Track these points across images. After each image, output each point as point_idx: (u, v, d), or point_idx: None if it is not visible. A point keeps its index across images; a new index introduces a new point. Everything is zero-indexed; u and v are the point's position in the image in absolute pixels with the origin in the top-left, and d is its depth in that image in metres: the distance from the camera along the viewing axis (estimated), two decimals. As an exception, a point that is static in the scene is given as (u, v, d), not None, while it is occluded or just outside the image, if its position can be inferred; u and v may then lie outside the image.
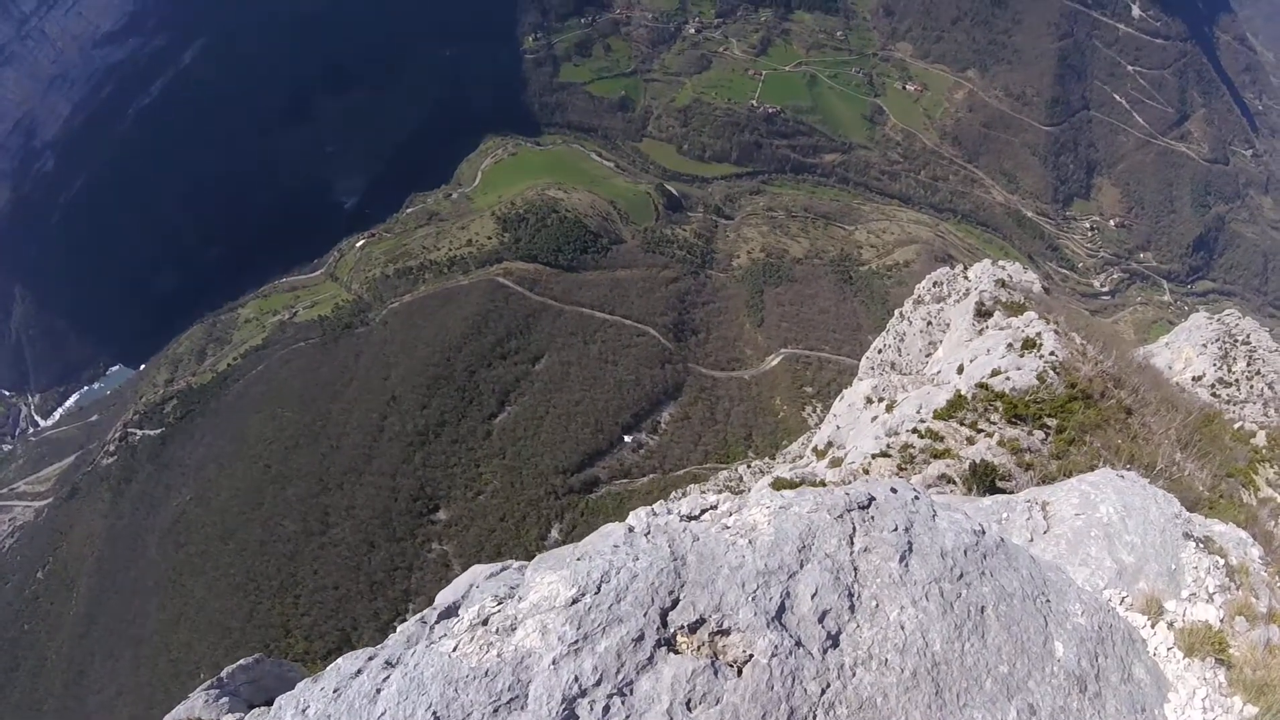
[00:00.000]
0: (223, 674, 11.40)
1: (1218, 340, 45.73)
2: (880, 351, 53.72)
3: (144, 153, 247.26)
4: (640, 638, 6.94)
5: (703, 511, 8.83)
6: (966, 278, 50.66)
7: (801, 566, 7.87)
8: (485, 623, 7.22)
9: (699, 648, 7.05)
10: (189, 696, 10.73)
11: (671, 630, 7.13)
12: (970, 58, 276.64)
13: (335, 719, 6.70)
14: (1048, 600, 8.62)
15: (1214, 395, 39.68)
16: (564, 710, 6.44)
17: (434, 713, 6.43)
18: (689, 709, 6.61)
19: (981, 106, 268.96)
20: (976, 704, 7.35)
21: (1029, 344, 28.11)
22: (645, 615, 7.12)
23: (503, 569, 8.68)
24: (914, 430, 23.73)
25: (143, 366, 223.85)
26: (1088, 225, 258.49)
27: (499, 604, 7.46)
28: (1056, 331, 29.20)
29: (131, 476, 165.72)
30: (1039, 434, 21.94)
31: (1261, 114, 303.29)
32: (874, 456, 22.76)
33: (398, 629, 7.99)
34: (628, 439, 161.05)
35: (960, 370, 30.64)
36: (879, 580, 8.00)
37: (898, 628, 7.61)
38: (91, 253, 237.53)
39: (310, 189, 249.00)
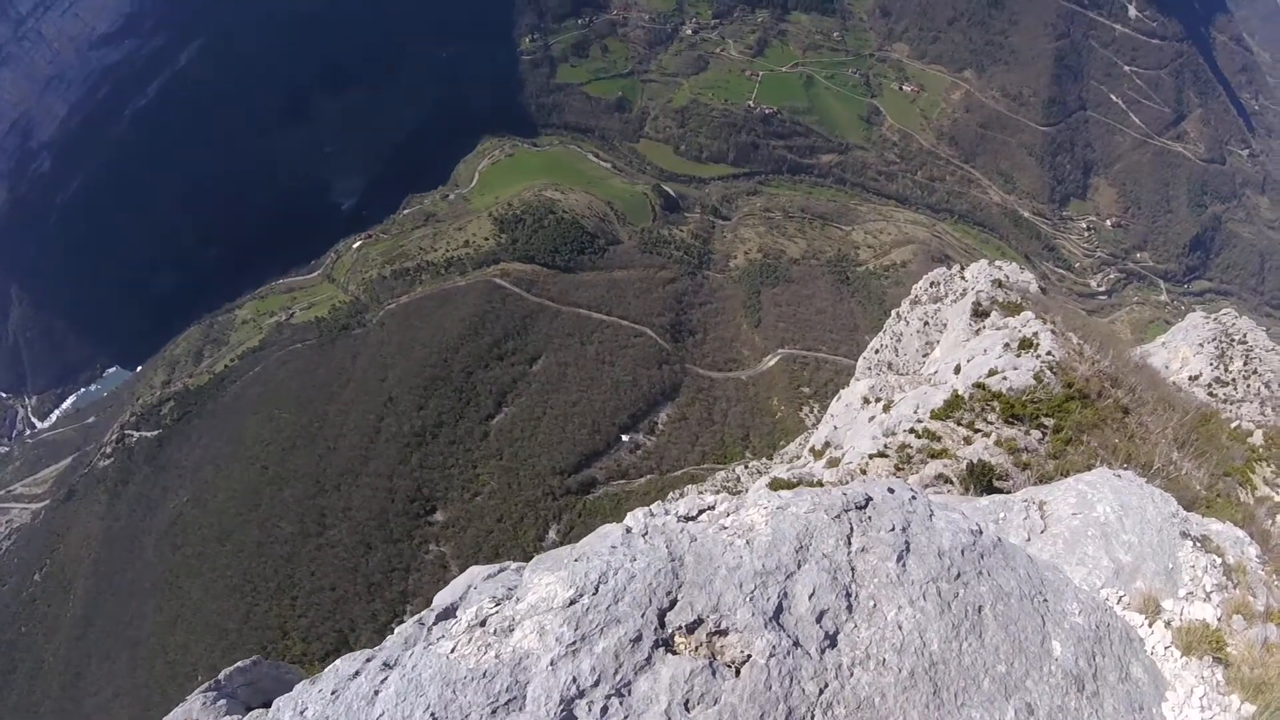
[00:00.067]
0: (220, 676, 11.39)
1: (1214, 340, 45.82)
2: (877, 352, 53.72)
3: (141, 154, 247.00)
4: (638, 638, 6.94)
5: (700, 512, 8.83)
6: (963, 278, 50.71)
7: (799, 567, 7.87)
8: (483, 624, 7.22)
9: (697, 648, 7.05)
10: (186, 699, 10.71)
11: (669, 631, 7.13)
12: (967, 58, 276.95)
13: (333, 720, 6.71)
14: (1045, 599, 8.62)
15: (1211, 394, 39.73)
16: (562, 711, 6.44)
17: (432, 714, 6.43)
18: (687, 709, 6.61)
19: (978, 107, 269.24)
20: (974, 703, 7.35)
21: (1026, 344, 28.13)
22: (643, 616, 7.11)
23: (500, 570, 8.67)
24: (911, 430, 23.73)
25: (139, 368, 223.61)
26: (1084, 225, 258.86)
27: (497, 605, 7.46)
28: (1053, 331, 29.22)
29: (128, 478, 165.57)
30: (1036, 434, 21.94)
31: (1258, 114, 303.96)
32: (871, 456, 22.76)
33: (395, 630, 7.99)
34: (625, 439, 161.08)
35: (957, 370, 30.65)
36: (876, 580, 8.00)
37: (895, 627, 7.61)
38: (88, 254, 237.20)
39: (308, 190, 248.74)
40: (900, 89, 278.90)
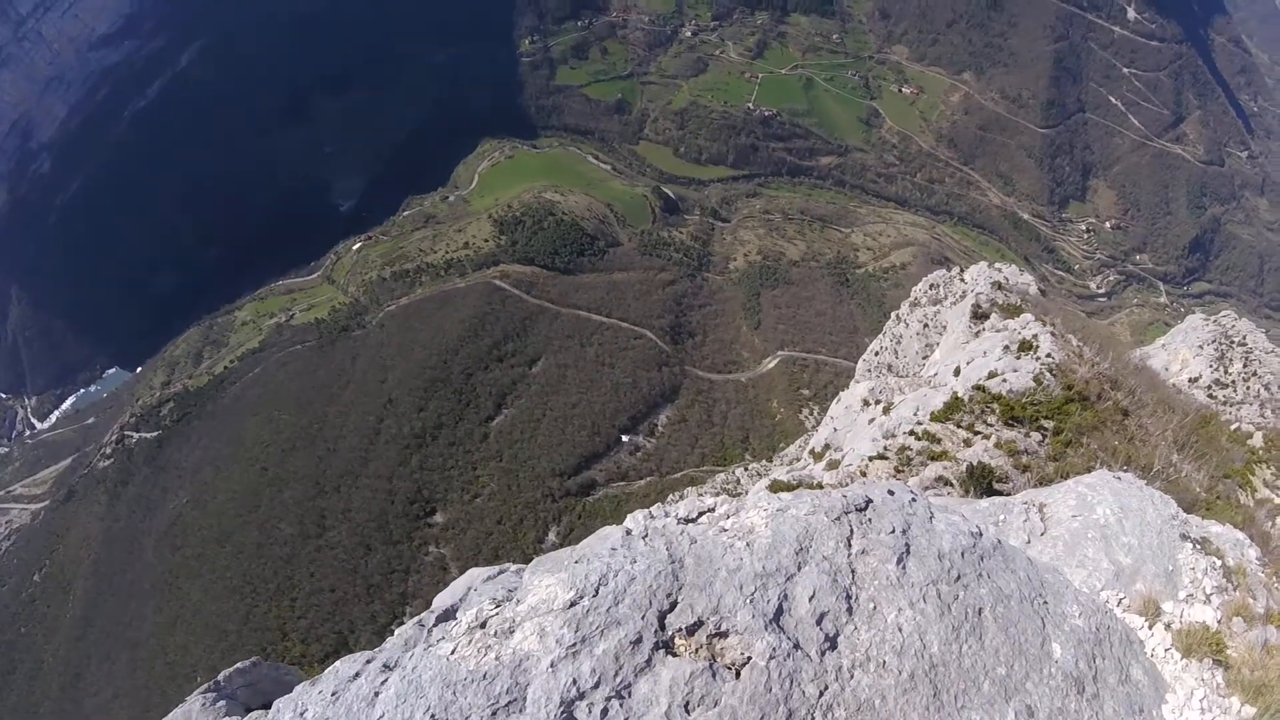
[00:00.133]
0: (220, 677, 11.38)
1: (1214, 342, 45.81)
2: (877, 354, 53.73)
3: (141, 155, 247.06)
4: (638, 640, 6.95)
5: (700, 514, 8.84)
6: (963, 280, 50.76)
7: (799, 569, 7.88)
8: (483, 625, 7.22)
9: (697, 650, 7.05)
10: (186, 700, 10.70)
11: (669, 633, 7.13)
12: (966, 60, 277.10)
13: (333, 722, 6.71)
14: (1045, 602, 8.63)
15: (1210, 396, 39.73)
16: (562, 713, 6.44)
17: (432, 715, 6.43)
18: (687, 711, 6.61)
19: (977, 109, 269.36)
20: (974, 706, 7.35)
21: (1025, 346, 28.14)
22: (643, 618, 7.12)
23: (500, 572, 8.68)
24: (911, 432, 23.73)
25: (139, 369, 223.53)
26: (1084, 227, 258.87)
27: (497, 607, 7.46)
28: (1053, 333, 29.23)
29: (128, 479, 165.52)
30: (1036, 436, 21.95)
31: (1257, 115, 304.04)
32: (871, 459, 22.76)
33: (395, 632, 7.99)
34: (624, 440, 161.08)
35: (957, 372, 30.66)
36: (877, 582, 8.00)
37: (895, 630, 7.62)
38: (88, 255, 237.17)
39: (307, 191, 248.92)
40: (899, 91, 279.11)
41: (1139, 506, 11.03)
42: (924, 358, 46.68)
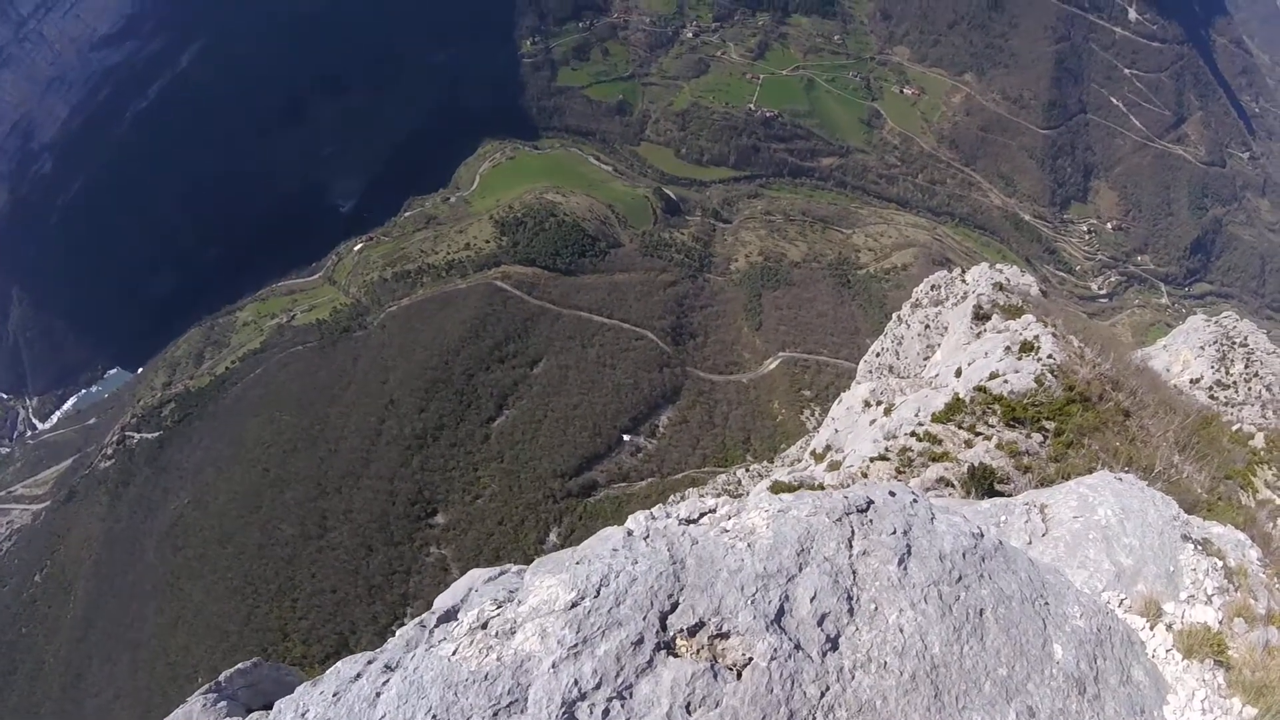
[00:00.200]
0: (221, 678, 11.38)
1: (1215, 343, 45.78)
2: (878, 355, 53.70)
3: (141, 155, 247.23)
4: (640, 641, 6.95)
5: (701, 515, 8.84)
6: (964, 281, 50.75)
7: (800, 570, 7.88)
8: (484, 626, 7.22)
9: (698, 651, 7.06)
10: (187, 700, 10.71)
11: (671, 633, 7.13)
12: (967, 61, 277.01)
13: (334, 723, 6.71)
14: (1046, 603, 8.63)
15: (1212, 397, 39.71)
16: (563, 714, 6.45)
17: (434, 716, 6.43)
18: (688, 712, 6.62)
19: (979, 110, 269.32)
20: (976, 706, 7.35)
21: (1027, 347, 28.14)
22: (644, 618, 7.12)
23: (501, 573, 8.68)
24: (912, 433, 23.73)
25: (140, 370, 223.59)
26: (1085, 228, 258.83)
27: (498, 608, 7.47)
28: (1054, 334, 29.22)
29: (129, 480, 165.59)
30: (1037, 437, 21.95)
31: (1258, 116, 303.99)
32: (872, 460, 22.76)
33: (397, 633, 7.99)
34: (626, 439, 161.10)
35: (958, 373, 30.66)
36: (878, 583, 8.01)
37: (897, 630, 7.62)
38: (89, 255, 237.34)
39: (308, 191, 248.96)
40: (901, 92, 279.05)
41: (1140, 507, 11.03)
42: (925, 359, 46.67)
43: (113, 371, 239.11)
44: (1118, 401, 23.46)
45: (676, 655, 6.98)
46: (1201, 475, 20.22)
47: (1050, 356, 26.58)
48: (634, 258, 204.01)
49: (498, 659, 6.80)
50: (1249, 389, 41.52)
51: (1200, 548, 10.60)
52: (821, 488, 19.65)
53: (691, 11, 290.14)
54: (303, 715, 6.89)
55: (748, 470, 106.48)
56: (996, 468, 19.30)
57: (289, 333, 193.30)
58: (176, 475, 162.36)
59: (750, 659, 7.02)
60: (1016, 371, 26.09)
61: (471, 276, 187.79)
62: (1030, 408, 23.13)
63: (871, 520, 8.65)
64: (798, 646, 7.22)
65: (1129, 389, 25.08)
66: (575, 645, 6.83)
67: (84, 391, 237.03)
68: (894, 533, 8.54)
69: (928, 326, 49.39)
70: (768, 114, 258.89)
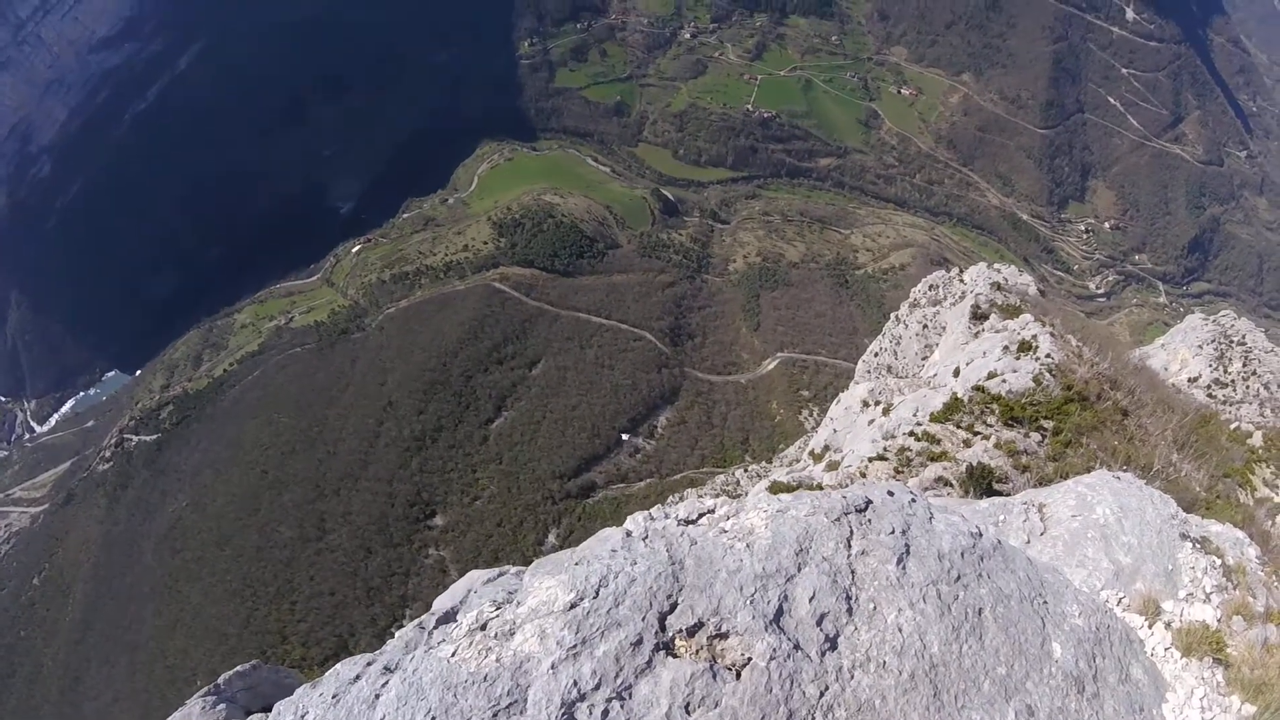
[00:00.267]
0: (219, 680, 11.36)
1: (1213, 341, 45.84)
2: (876, 355, 53.74)
3: (140, 157, 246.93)
4: (639, 641, 6.95)
5: (700, 515, 8.85)
6: (962, 281, 50.79)
7: (799, 570, 7.88)
8: (484, 628, 7.22)
9: (697, 651, 7.06)
10: (185, 703, 10.69)
11: (670, 634, 7.14)
12: (965, 61, 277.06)
13: (334, 724, 6.71)
14: (1045, 602, 8.64)
15: (1210, 396, 39.75)
16: (563, 714, 6.45)
17: (433, 718, 6.43)
18: (688, 712, 6.62)
19: (976, 110, 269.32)
20: (975, 705, 7.36)
21: (1025, 346, 28.16)
22: (643, 619, 7.12)
23: (500, 574, 8.68)
24: (910, 433, 23.74)
25: (139, 372, 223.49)
26: (1083, 228, 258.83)
27: (497, 609, 7.47)
28: (1052, 334, 29.25)
29: (127, 482, 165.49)
30: (1035, 436, 21.97)
31: (1255, 115, 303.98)
32: (870, 460, 22.78)
33: (396, 634, 7.99)
34: (625, 438, 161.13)
35: (956, 373, 30.68)
36: (876, 583, 8.01)
37: (895, 630, 7.62)
38: (88, 258, 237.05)
39: (307, 193, 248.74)
40: (898, 92, 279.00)
41: (1138, 506, 11.04)
42: (923, 359, 46.71)
43: (111, 374, 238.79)
44: (1116, 400, 23.48)
45: (676, 655, 6.98)
46: (1200, 474, 20.23)
47: (1048, 356, 26.60)
48: (632, 259, 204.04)
49: (497, 660, 6.80)
50: (1247, 387, 41.58)
51: (1199, 546, 10.61)
52: (820, 488, 19.66)
53: (689, 13, 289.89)
54: (302, 717, 6.89)
55: (746, 471, 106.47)
56: (995, 467, 19.31)
57: (287, 335, 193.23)
58: (175, 478, 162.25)
59: (749, 659, 7.03)
60: (1014, 371, 26.12)
61: (470, 278, 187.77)
62: (1028, 407, 23.15)
63: (870, 520, 8.66)
64: (797, 646, 7.22)
65: (1127, 388, 25.10)
66: (574, 646, 6.84)
67: (82, 394, 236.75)
68: (892, 532, 8.55)
69: (926, 326, 49.42)
70: (765, 115, 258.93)
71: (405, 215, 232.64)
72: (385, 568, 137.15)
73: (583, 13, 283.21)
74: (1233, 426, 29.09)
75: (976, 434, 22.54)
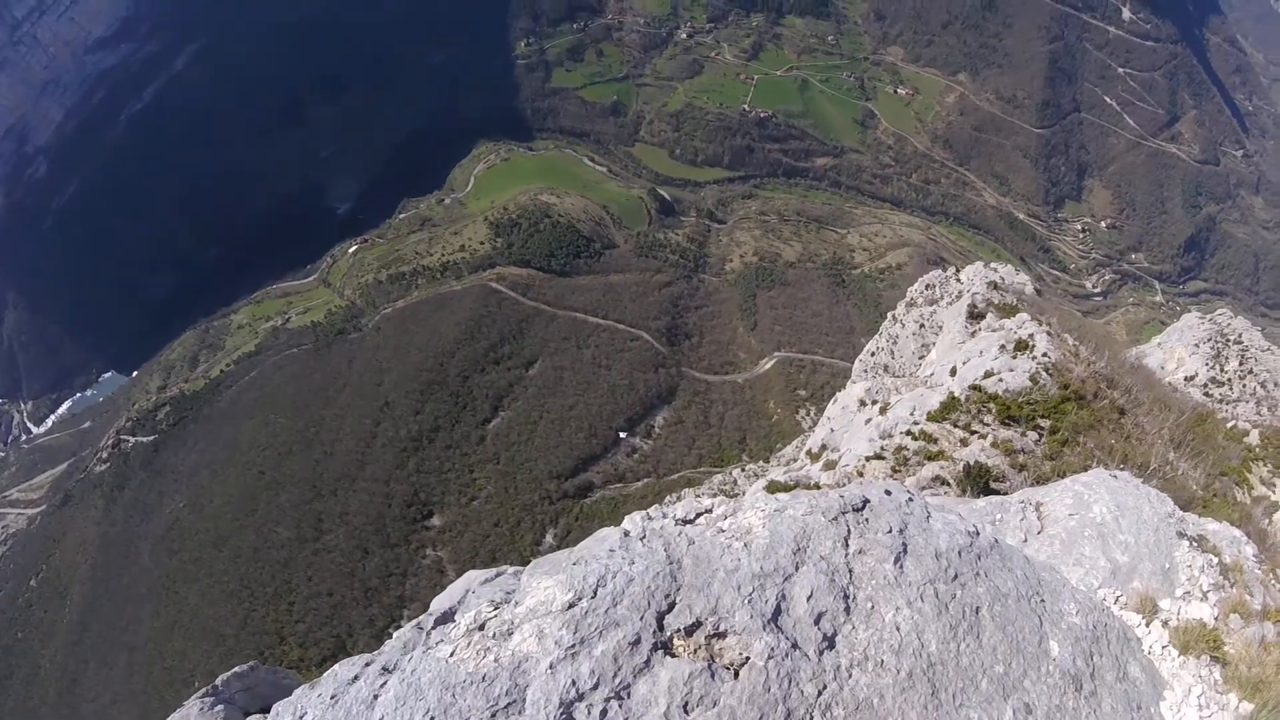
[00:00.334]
0: (217, 681, 11.35)
1: (1210, 340, 45.91)
2: (873, 354, 53.75)
3: (137, 158, 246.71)
4: (637, 641, 6.95)
5: (698, 515, 8.85)
6: (959, 280, 50.82)
7: (797, 569, 7.89)
8: (482, 628, 7.22)
9: (696, 651, 7.06)
10: (183, 704, 10.68)
11: (668, 633, 7.14)
12: (961, 61, 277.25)
13: (332, 725, 6.71)
14: (1042, 600, 8.65)
15: (1207, 395, 39.82)
16: (561, 714, 6.45)
17: (431, 718, 6.43)
18: (686, 712, 6.62)
19: (973, 110, 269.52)
20: (973, 704, 7.36)
21: (1022, 345, 28.18)
22: (642, 619, 7.12)
23: (498, 574, 8.68)
24: (907, 432, 23.75)
25: (135, 373, 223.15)
26: (1079, 227, 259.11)
27: (495, 609, 7.47)
28: (1049, 333, 29.27)
29: (124, 483, 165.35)
30: (1032, 435, 21.98)
31: (1252, 115, 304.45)
32: (868, 459, 22.78)
33: (394, 635, 7.99)
34: (623, 435, 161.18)
35: (953, 372, 30.69)
36: (874, 582, 8.02)
37: (893, 629, 7.63)
38: (84, 258, 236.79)
39: (303, 193, 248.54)
40: (895, 92, 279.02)
41: (1135, 504, 11.06)
42: (920, 358, 46.73)
43: (107, 375, 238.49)
44: (1113, 399, 23.51)
45: (674, 655, 6.99)
46: (1196, 472, 20.26)
47: (1045, 355, 26.63)
48: (629, 259, 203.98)
49: (495, 660, 6.80)
50: (1243, 386, 41.65)
51: (1195, 544, 10.63)
52: (817, 487, 19.67)
53: (686, 12, 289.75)
54: (300, 718, 6.89)
55: (743, 470, 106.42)
56: (992, 466, 19.33)
57: (284, 335, 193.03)
58: (171, 479, 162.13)
59: (747, 658, 7.03)
60: (1011, 370, 26.14)
61: (466, 278, 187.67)
62: (1025, 406, 23.17)
63: (867, 519, 8.67)
64: (795, 645, 7.22)
65: (1124, 387, 25.14)
66: (573, 646, 6.84)
67: (79, 395, 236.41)
68: (890, 531, 8.55)
69: (922, 326, 49.44)
70: (762, 114, 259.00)
71: (402, 215, 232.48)
72: (383, 568, 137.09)
73: (579, 13, 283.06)
74: (1229, 425, 29.14)
75: (973, 433, 22.55)
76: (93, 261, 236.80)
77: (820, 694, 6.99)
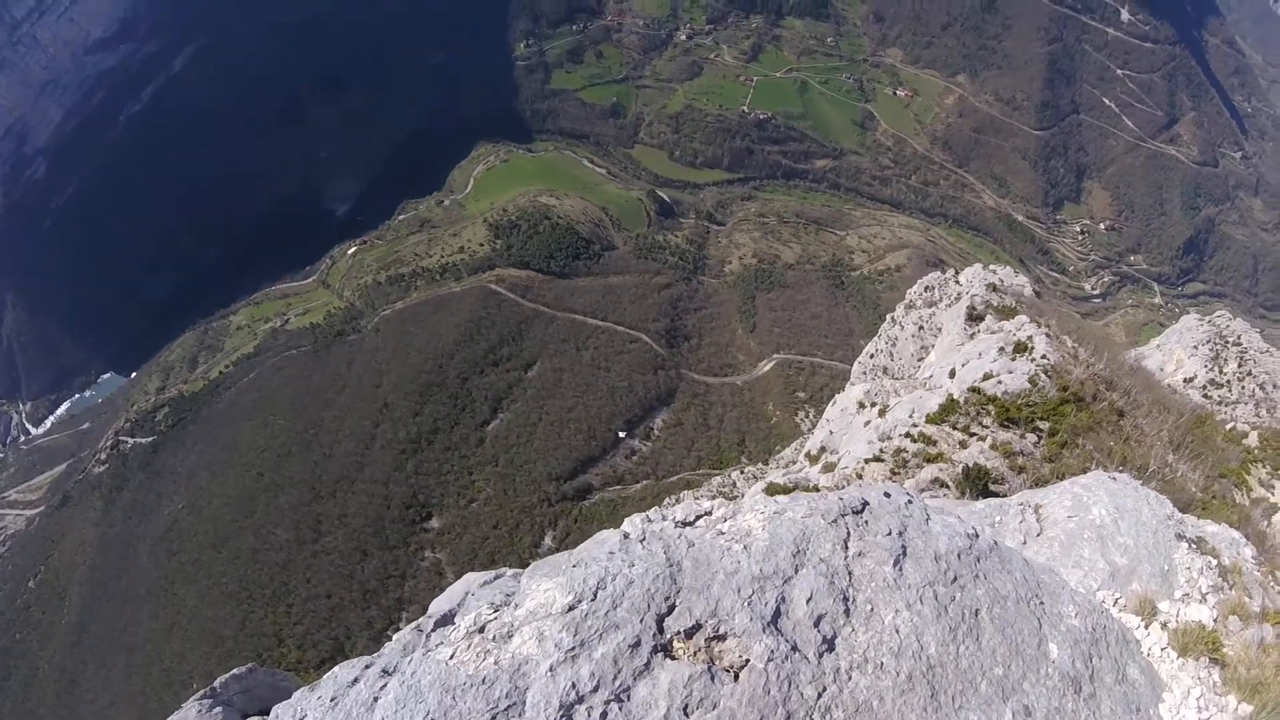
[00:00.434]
0: (216, 684, 11.34)
1: (1209, 342, 45.85)
2: (872, 356, 53.71)
3: (135, 159, 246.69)
4: (637, 644, 6.96)
5: (697, 517, 8.86)
6: (958, 282, 50.80)
7: (796, 571, 7.89)
8: (482, 630, 7.23)
9: (695, 653, 7.07)
10: (182, 706, 10.68)
11: (668, 636, 7.14)
12: (960, 63, 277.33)
13: (332, 727, 6.71)
14: (1041, 602, 8.65)
15: (1206, 397, 39.79)
16: (561, 717, 6.45)
17: (431, 720, 6.43)
18: (686, 714, 6.62)
19: (972, 111, 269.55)
20: (972, 706, 7.37)
21: (1021, 347, 28.19)
22: (642, 621, 7.13)
23: (497, 576, 8.68)
24: (907, 434, 23.76)
25: (134, 374, 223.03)
26: (1078, 229, 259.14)
27: (495, 611, 7.47)
28: (1048, 335, 29.28)
29: (123, 485, 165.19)
30: (1031, 437, 21.99)
31: (1250, 116, 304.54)
32: (867, 461, 22.79)
33: (394, 637, 7.99)
34: (622, 435, 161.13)
35: (952, 374, 30.69)
36: (873, 584, 8.02)
37: (893, 631, 7.64)
38: (83, 259, 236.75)
39: (302, 195, 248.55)
40: (894, 94, 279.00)
41: (1134, 507, 11.06)
42: (919, 360, 46.71)
43: (106, 376, 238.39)
44: (1112, 401, 23.51)
45: (674, 657, 6.99)
46: (1195, 474, 20.27)
47: (1044, 357, 26.63)
48: (628, 260, 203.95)
49: (495, 663, 6.81)
50: (1242, 388, 41.63)
51: (1194, 546, 10.63)
52: (817, 489, 19.69)
53: (685, 14, 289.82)
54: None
55: (743, 473, 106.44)
56: (991, 468, 19.33)
57: (283, 336, 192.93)
58: (170, 480, 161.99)
59: (747, 661, 7.04)
60: (1010, 372, 26.14)
61: (465, 280, 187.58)
62: (1024, 408, 23.17)
63: (867, 521, 8.67)
64: (794, 648, 7.23)
65: (1123, 389, 25.14)
66: (573, 648, 6.84)
67: (78, 396, 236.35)
68: (889, 534, 8.56)
69: (921, 328, 49.41)
70: (761, 116, 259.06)
71: (401, 217, 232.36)
72: (381, 570, 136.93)
73: (578, 14, 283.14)
74: (1228, 427, 29.15)
75: (972, 435, 22.55)
76: (92, 262, 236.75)
77: (820, 696, 6.99)
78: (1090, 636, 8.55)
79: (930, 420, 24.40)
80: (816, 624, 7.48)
